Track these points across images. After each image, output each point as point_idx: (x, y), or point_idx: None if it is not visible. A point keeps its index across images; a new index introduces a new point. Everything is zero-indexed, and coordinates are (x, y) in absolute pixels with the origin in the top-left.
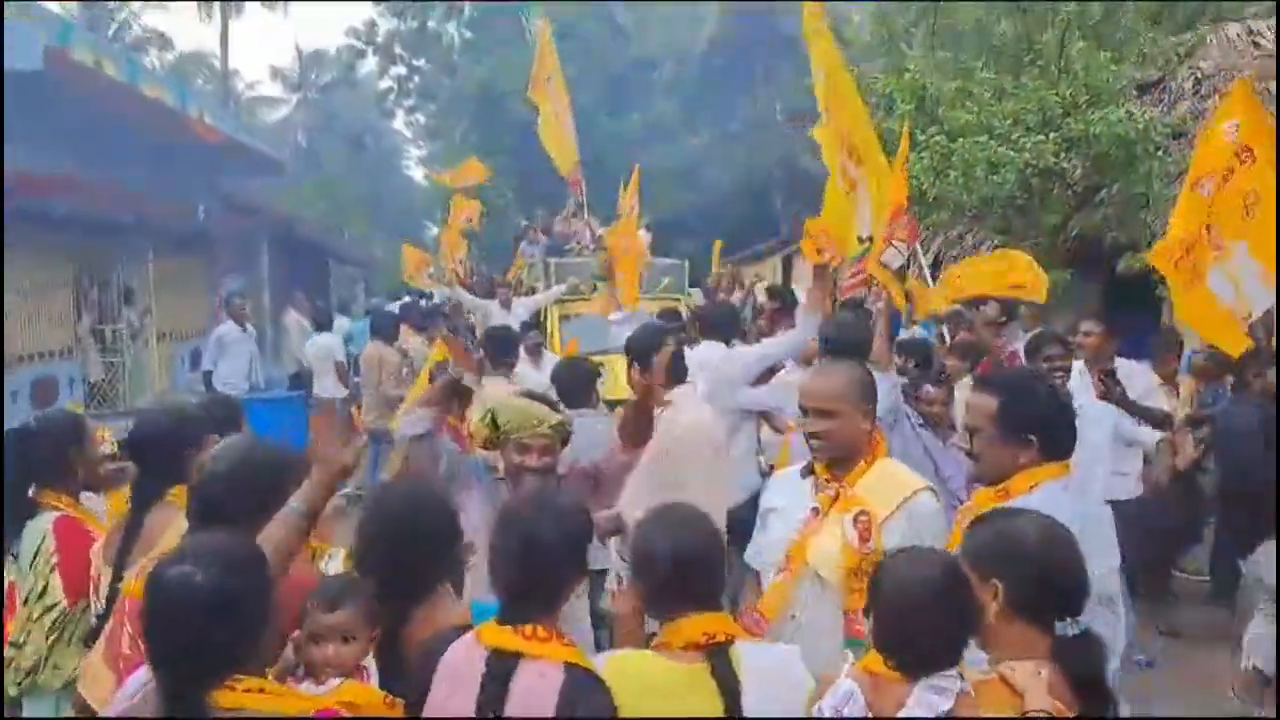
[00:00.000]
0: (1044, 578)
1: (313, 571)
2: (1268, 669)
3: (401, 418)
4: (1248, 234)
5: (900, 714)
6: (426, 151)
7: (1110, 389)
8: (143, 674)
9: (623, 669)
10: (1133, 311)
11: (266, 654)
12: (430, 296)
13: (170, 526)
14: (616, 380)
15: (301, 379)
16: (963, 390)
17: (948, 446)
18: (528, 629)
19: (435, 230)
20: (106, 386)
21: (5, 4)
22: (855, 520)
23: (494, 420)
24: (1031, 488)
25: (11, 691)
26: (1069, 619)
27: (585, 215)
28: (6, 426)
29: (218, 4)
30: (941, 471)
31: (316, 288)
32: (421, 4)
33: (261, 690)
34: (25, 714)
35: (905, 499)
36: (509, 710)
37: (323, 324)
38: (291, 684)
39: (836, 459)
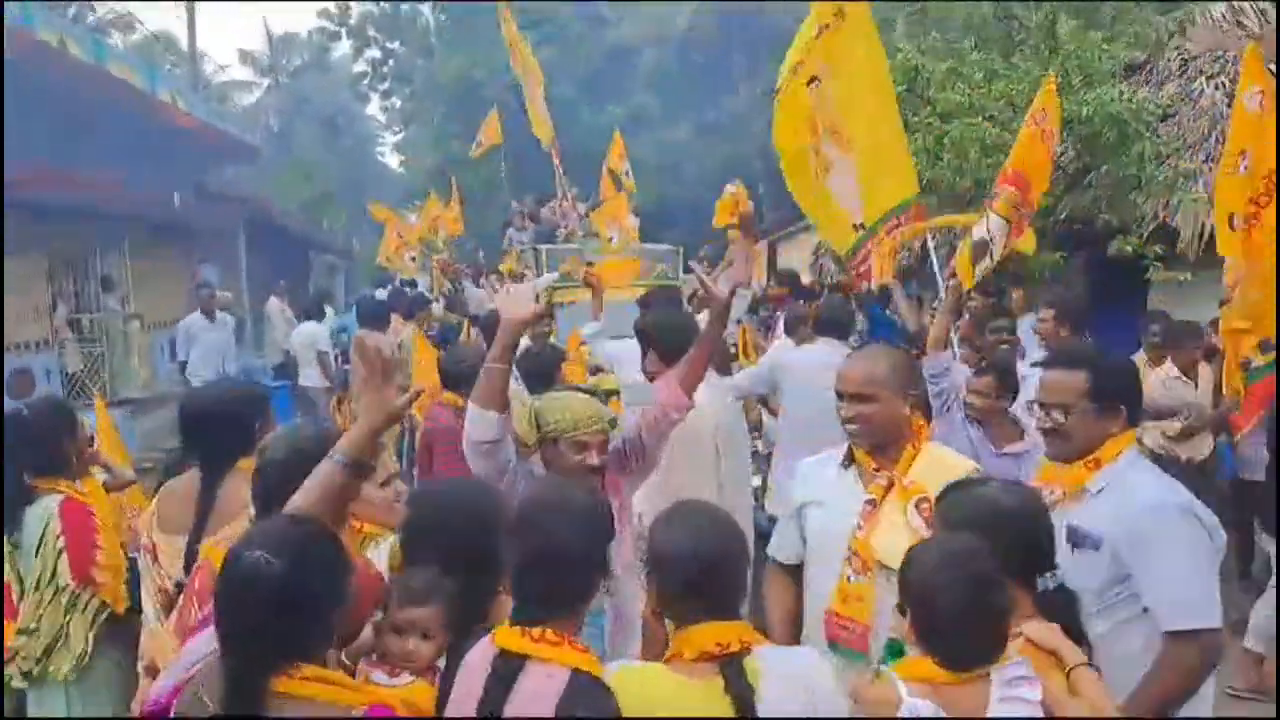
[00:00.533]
0: (1027, 539)
1: (361, 558)
2: (1255, 648)
3: (470, 422)
4: None
5: None
6: (402, 136)
7: None
8: (201, 644)
9: (629, 682)
10: (1122, 294)
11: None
12: (414, 284)
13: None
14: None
15: (287, 368)
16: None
17: (1000, 455)
18: (537, 631)
19: (413, 218)
20: (86, 376)
21: None
22: (918, 507)
23: (537, 420)
24: (1117, 455)
25: (17, 684)
26: (1048, 574)
27: (567, 192)
28: None
29: None
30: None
31: (296, 276)
32: None
33: (320, 679)
34: (33, 708)
35: None
36: (508, 711)
37: (311, 313)
38: (365, 666)
39: (877, 444)
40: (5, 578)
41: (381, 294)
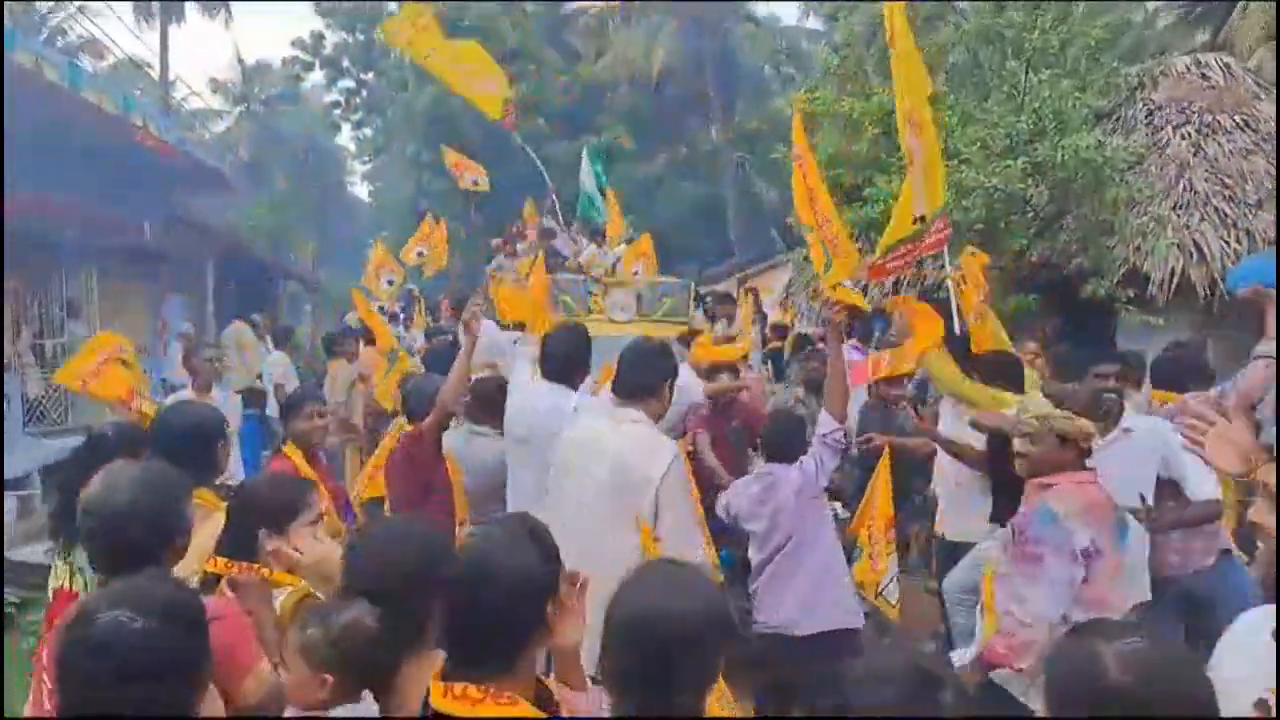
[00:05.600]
0: None
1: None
2: None
3: None
4: None
5: None
6: (372, 166)
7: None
8: None
9: None
10: (1091, 336)
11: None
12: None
13: (202, 526)
14: None
15: (253, 395)
16: None
17: None
18: (459, 689)
19: (383, 247)
20: (47, 403)
21: None
22: None
23: None
24: None
25: None
26: None
27: (558, 214)
28: None
29: (158, 8)
30: None
31: (264, 306)
32: (371, 11)
33: None
34: None
35: None
36: None
37: (279, 342)
38: None
39: None
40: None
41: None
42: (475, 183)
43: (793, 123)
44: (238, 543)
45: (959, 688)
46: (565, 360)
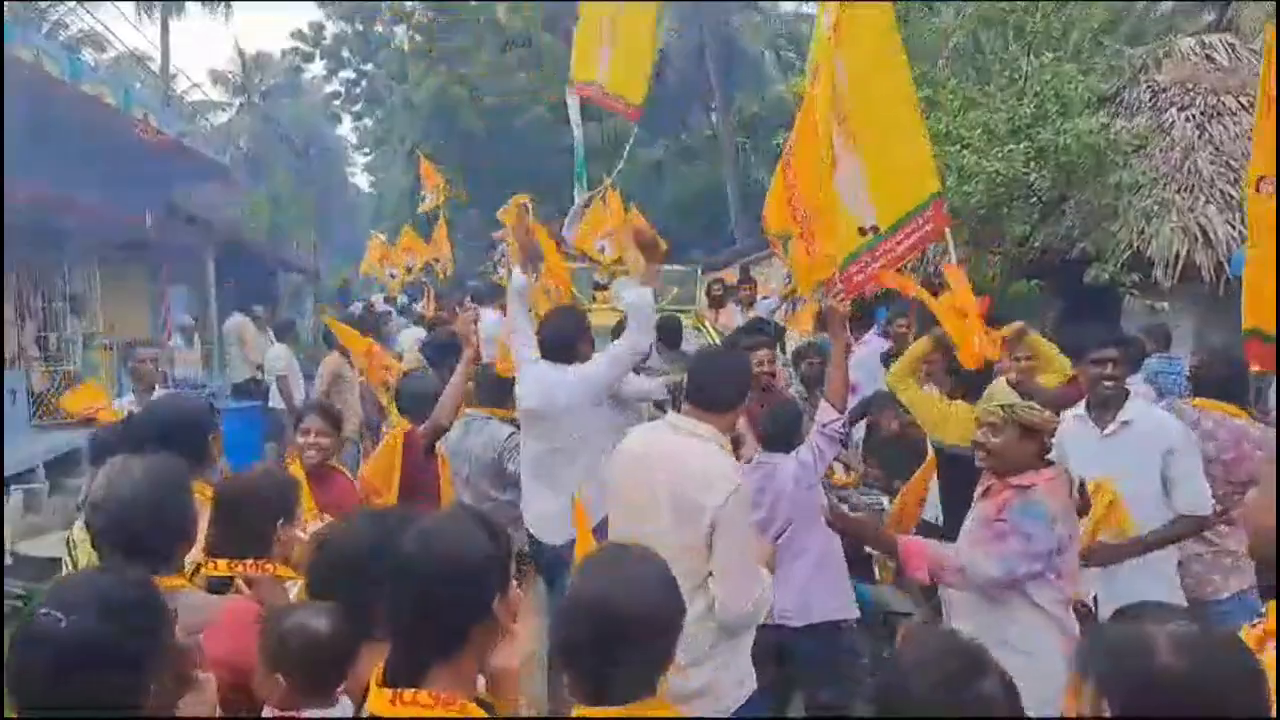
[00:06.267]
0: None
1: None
2: None
3: None
4: None
5: None
6: (373, 158)
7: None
8: None
9: None
10: (1096, 321)
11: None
12: (393, 300)
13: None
14: None
15: (247, 388)
16: None
17: None
18: (409, 695)
19: (382, 237)
20: (51, 396)
21: None
22: None
23: None
24: None
25: None
26: None
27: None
28: None
29: (159, 4)
30: None
31: (265, 297)
32: (370, 6)
33: None
34: None
35: None
36: None
37: (281, 334)
38: None
39: None
40: None
41: (356, 310)
42: (425, 199)
43: (793, 109)
44: (244, 538)
45: (1002, 674)
46: (561, 342)
